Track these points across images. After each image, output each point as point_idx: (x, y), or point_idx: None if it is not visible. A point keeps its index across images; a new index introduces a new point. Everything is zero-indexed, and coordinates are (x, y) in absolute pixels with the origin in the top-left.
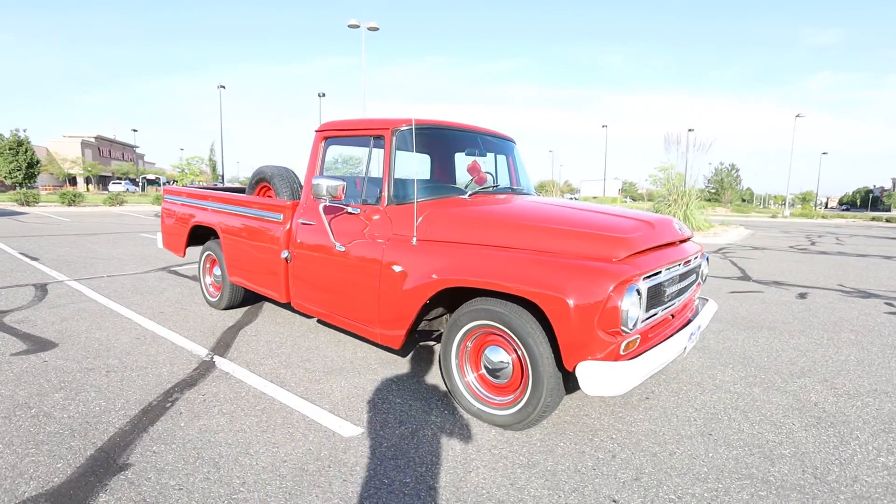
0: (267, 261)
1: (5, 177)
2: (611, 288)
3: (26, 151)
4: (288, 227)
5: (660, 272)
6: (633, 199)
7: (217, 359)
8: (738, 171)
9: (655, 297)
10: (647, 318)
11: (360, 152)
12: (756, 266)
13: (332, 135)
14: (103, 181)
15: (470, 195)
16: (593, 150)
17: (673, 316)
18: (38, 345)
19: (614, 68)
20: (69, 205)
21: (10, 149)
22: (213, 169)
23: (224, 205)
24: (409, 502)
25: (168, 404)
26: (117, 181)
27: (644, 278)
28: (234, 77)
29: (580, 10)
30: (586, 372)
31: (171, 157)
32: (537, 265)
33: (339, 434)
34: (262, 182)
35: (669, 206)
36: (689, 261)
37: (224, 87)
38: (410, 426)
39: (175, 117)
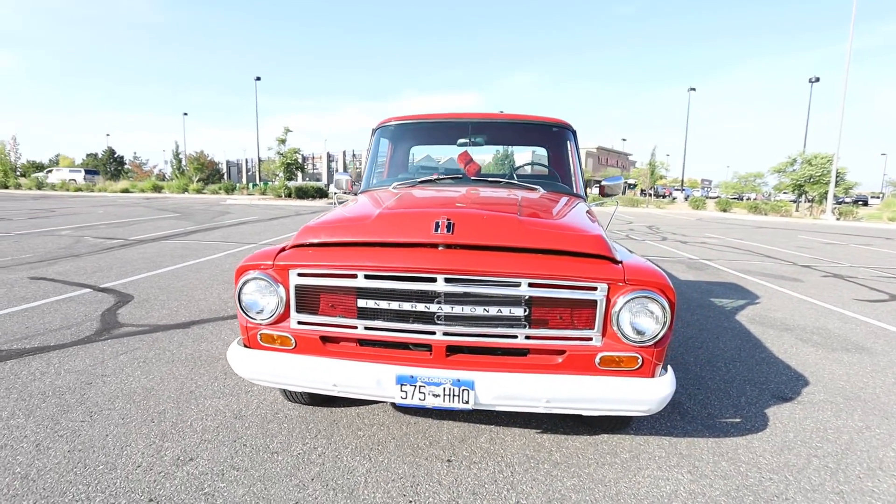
0: None
1: None
2: (238, 265)
3: None
4: None
5: (351, 274)
6: None
7: None
8: None
9: (364, 304)
10: (317, 323)
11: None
12: None
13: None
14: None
15: (394, 186)
16: None
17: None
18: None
19: None
20: None
21: None
22: (652, 172)
23: None
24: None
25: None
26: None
27: (302, 274)
28: (709, 80)
29: None
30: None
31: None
32: None
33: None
34: None
35: None
36: (480, 279)
37: (694, 89)
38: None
39: (653, 124)
